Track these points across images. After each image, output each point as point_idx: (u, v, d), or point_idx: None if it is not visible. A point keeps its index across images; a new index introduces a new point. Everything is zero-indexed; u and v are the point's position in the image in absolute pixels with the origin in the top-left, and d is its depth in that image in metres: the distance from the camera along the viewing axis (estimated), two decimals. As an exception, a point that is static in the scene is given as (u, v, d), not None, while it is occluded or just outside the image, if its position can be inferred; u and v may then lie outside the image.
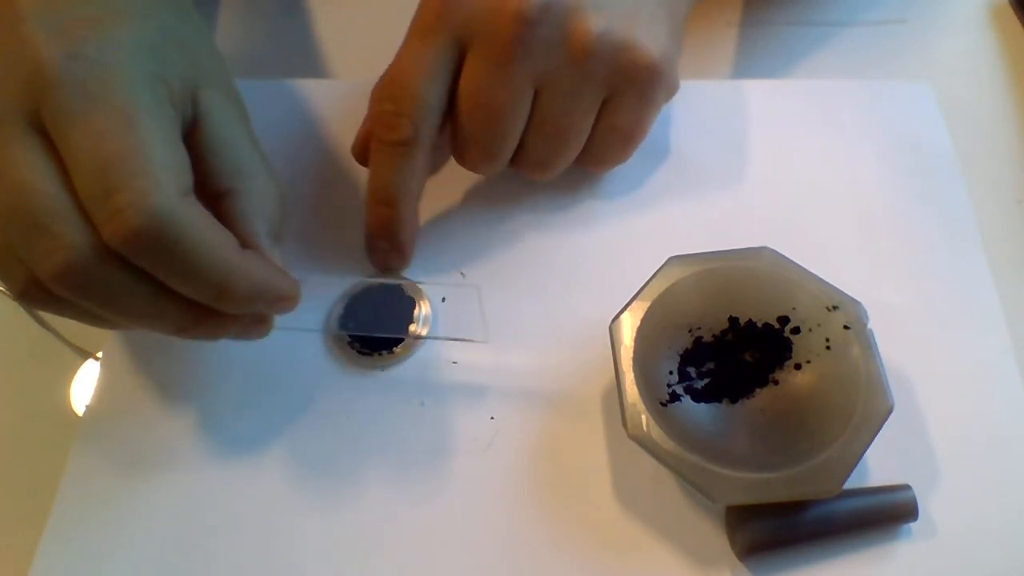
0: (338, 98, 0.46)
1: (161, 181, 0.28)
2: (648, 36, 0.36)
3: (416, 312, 0.39)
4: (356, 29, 0.50)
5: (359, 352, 0.39)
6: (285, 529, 0.35)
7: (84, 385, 0.39)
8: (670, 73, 0.38)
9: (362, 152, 0.40)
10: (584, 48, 0.35)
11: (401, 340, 0.39)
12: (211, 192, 0.33)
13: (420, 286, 0.40)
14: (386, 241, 0.39)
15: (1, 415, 0.39)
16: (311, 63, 0.49)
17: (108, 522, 0.35)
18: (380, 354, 0.39)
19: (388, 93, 0.37)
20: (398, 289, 0.40)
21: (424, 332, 0.39)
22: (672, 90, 0.39)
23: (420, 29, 0.36)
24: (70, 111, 0.29)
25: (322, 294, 0.40)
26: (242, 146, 0.34)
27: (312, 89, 0.47)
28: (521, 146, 0.38)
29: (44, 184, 0.28)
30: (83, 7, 0.31)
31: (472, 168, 0.39)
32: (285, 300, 0.33)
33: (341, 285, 0.40)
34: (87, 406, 0.38)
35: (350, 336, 0.39)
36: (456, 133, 0.38)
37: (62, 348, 0.41)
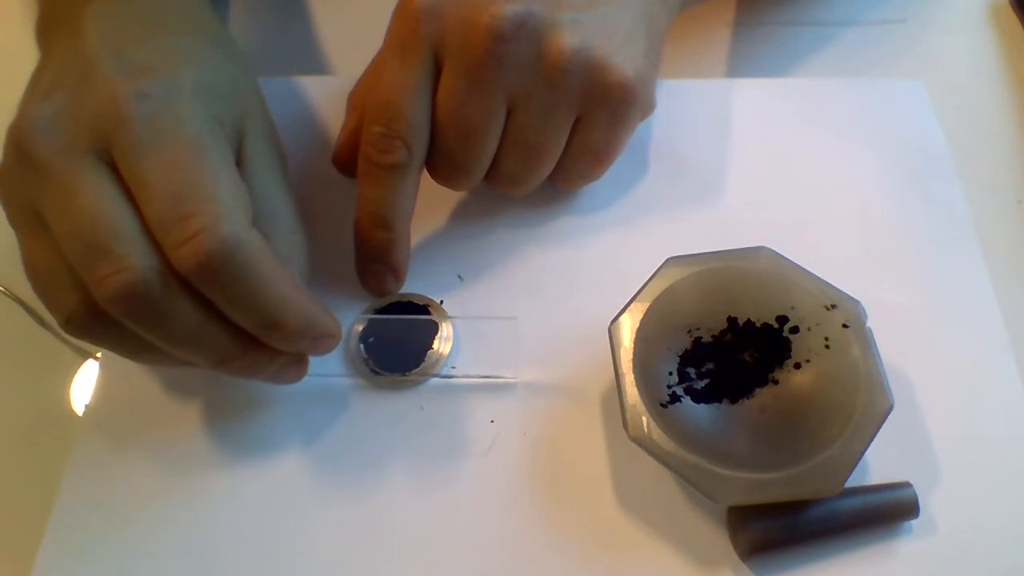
0: (340, 95, 0.46)
1: (231, 209, 0.30)
2: (624, 55, 0.36)
3: (438, 336, 0.39)
4: (358, 26, 0.50)
5: (373, 370, 0.38)
6: (286, 530, 0.35)
7: (84, 385, 0.39)
8: (644, 93, 0.38)
9: (345, 163, 0.40)
10: (558, 66, 0.35)
11: (416, 365, 0.38)
12: None
13: (444, 307, 0.40)
14: (382, 264, 0.39)
15: (1, 415, 0.39)
16: (314, 60, 0.49)
17: (109, 523, 0.35)
18: (393, 375, 0.38)
19: (377, 115, 0.36)
20: (422, 311, 0.40)
21: (446, 352, 0.38)
22: (647, 110, 0.39)
23: (398, 45, 0.36)
24: (141, 145, 0.30)
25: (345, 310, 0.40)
26: (278, 193, 0.35)
27: (316, 86, 0.47)
28: (494, 162, 0.38)
29: (110, 209, 0.29)
30: (148, 52, 0.33)
31: (445, 183, 0.39)
32: (329, 338, 0.33)
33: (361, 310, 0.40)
34: (87, 406, 0.38)
35: (367, 352, 0.38)
36: (431, 149, 0.37)
37: (62, 348, 0.40)
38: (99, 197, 0.30)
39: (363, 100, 0.38)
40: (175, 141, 0.30)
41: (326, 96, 0.47)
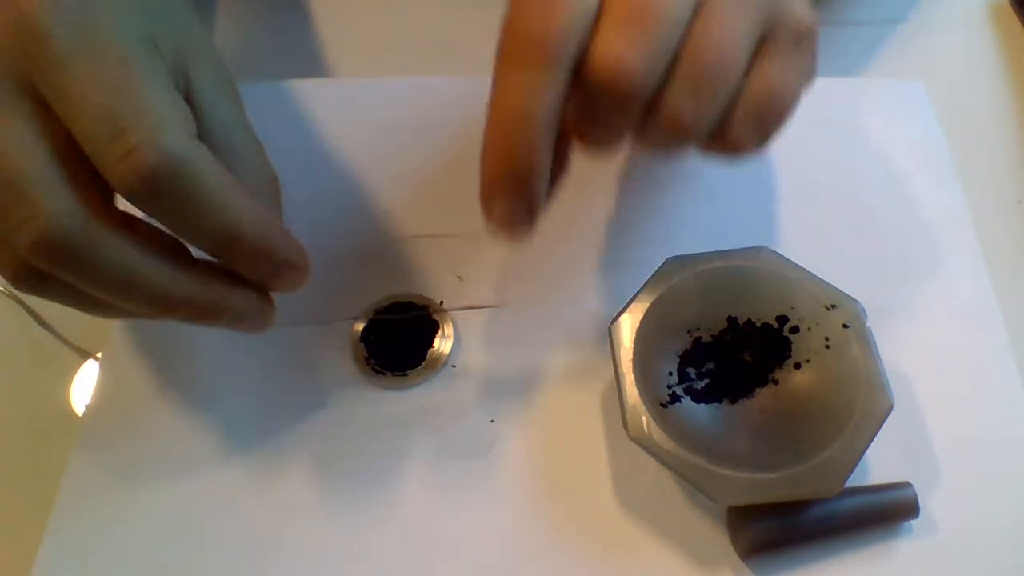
0: (337, 98, 0.46)
1: (169, 120, 0.27)
2: (807, 4, 0.31)
3: (439, 336, 0.39)
4: (354, 28, 0.50)
5: (374, 370, 0.38)
6: (285, 531, 0.35)
7: (84, 385, 0.39)
8: (818, 47, 0.31)
9: None
10: None
11: (416, 364, 0.38)
12: None
13: (444, 307, 0.40)
14: (516, 192, 0.29)
15: (1, 415, 0.39)
16: (308, 63, 0.49)
17: (109, 524, 0.35)
18: (394, 375, 0.38)
19: (533, 4, 0.27)
20: (422, 309, 0.40)
21: (446, 352, 0.39)
22: (813, 75, 0.32)
23: None
24: (62, 59, 0.27)
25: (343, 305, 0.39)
26: (237, 127, 0.32)
27: (310, 89, 0.47)
28: (667, 78, 0.28)
29: (25, 150, 0.27)
30: None
31: (615, 76, 0.27)
32: (291, 270, 0.31)
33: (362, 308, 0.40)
34: (87, 406, 0.38)
35: (368, 352, 0.39)
36: (598, 26, 0.28)
37: (62, 348, 0.40)
38: (14, 138, 0.27)
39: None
40: (102, 53, 0.27)
41: (323, 99, 0.47)
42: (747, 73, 0.30)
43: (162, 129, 0.26)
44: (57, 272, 0.27)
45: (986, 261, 0.40)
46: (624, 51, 0.27)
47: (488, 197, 0.30)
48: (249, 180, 0.31)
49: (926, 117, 0.45)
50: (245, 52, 0.50)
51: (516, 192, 0.29)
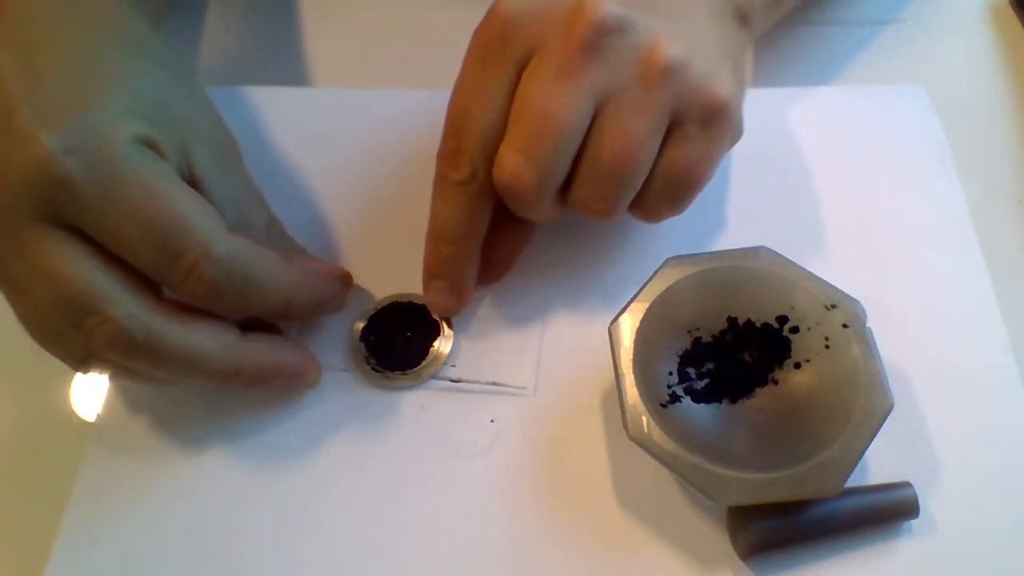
0: (325, 106, 0.46)
1: (210, 230, 0.31)
2: (719, 72, 0.34)
3: (439, 335, 0.39)
4: (344, 36, 0.51)
5: (374, 370, 0.38)
6: (286, 531, 0.35)
7: (84, 387, 0.39)
8: (738, 116, 0.35)
9: None
10: (659, 68, 0.32)
11: (416, 364, 0.38)
12: None
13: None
14: (445, 281, 0.37)
15: (1, 415, 0.39)
16: (297, 70, 0.49)
17: (122, 528, 0.35)
18: (394, 374, 0.38)
19: (450, 128, 0.34)
20: (423, 310, 0.39)
21: (446, 352, 0.39)
22: (737, 136, 0.36)
23: (479, 53, 0.34)
24: (92, 204, 0.30)
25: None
26: (241, 196, 0.36)
27: (307, 96, 0.47)
28: (575, 175, 0.34)
29: (81, 271, 0.31)
30: (62, 81, 0.32)
31: (512, 190, 0.33)
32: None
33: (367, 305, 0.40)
34: (98, 414, 0.38)
35: (368, 350, 0.39)
36: (500, 145, 0.33)
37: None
38: (62, 260, 0.30)
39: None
40: (125, 189, 0.30)
41: (321, 105, 0.47)
42: (659, 155, 0.34)
43: (210, 242, 0.31)
44: (129, 363, 0.32)
45: (986, 261, 0.40)
46: (519, 169, 0.33)
47: (425, 285, 0.38)
48: (264, 240, 0.36)
49: (927, 119, 0.45)
50: (234, 58, 0.50)
51: (444, 286, 0.37)
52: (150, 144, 0.32)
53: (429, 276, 0.38)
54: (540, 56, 0.33)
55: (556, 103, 0.32)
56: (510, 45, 0.33)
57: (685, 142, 0.34)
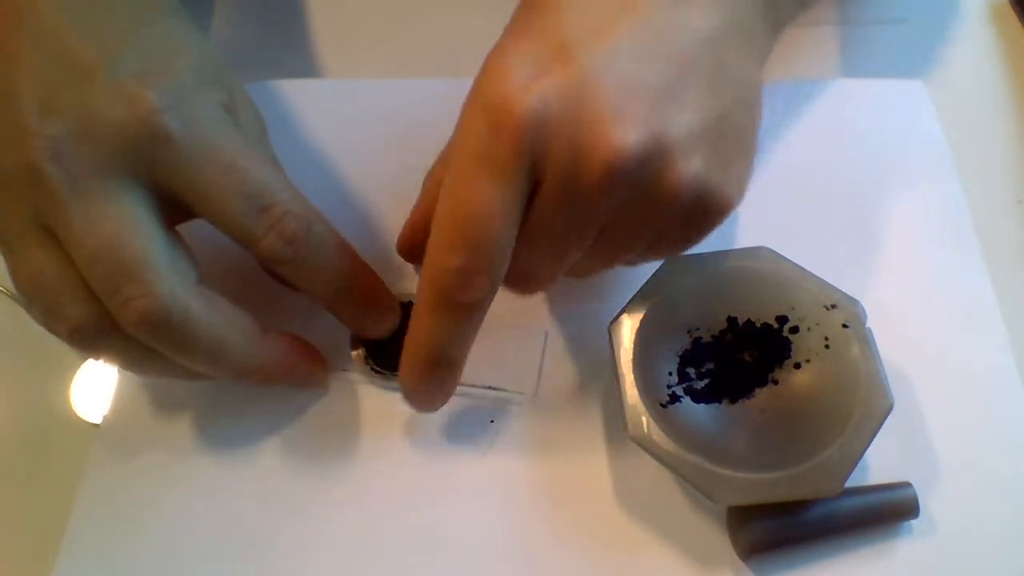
0: (336, 98, 0.46)
1: (288, 188, 0.33)
2: (733, 170, 0.31)
3: None
4: (351, 27, 0.50)
5: (374, 370, 0.38)
6: (286, 530, 0.35)
7: (85, 385, 0.39)
8: (737, 204, 0.32)
9: (411, 250, 0.40)
10: (671, 195, 0.29)
11: None
12: None
13: None
14: (433, 395, 0.34)
15: (6, 417, 0.39)
16: (307, 62, 0.49)
17: (128, 530, 0.35)
18: (394, 374, 0.38)
19: (460, 242, 0.29)
20: None
21: None
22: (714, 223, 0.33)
23: (490, 157, 0.29)
24: (192, 159, 0.31)
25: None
26: (279, 167, 0.36)
27: (309, 89, 0.47)
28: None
29: (143, 237, 0.31)
30: (142, 50, 0.32)
31: (514, 291, 0.33)
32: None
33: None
34: (104, 416, 0.38)
35: (368, 352, 0.38)
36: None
37: (62, 348, 0.40)
38: (132, 221, 0.30)
39: (443, 208, 0.30)
40: (218, 146, 0.31)
41: (321, 98, 0.46)
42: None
43: (292, 200, 0.32)
44: (152, 343, 0.31)
45: (986, 261, 0.40)
46: (527, 288, 0.33)
47: (405, 394, 0.34)
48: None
49: (927, 117, 0.45)
50: (242, 51, 0.50)
51: (429, 395, 0.34)
52: (227, 109, 0.33)
53: (412, 391, 0.33)
54: (554, 184, 0.29)
55: (569, 239, 0.31)
56: (525, 158, 0.29)
57: (664, 243, 0.32)
